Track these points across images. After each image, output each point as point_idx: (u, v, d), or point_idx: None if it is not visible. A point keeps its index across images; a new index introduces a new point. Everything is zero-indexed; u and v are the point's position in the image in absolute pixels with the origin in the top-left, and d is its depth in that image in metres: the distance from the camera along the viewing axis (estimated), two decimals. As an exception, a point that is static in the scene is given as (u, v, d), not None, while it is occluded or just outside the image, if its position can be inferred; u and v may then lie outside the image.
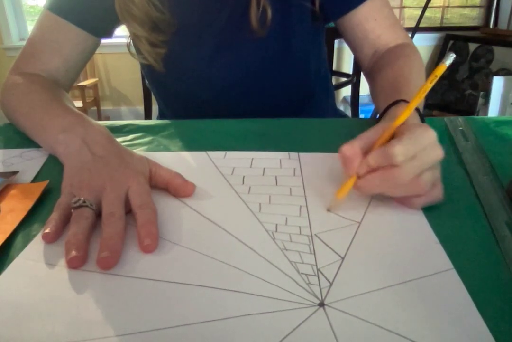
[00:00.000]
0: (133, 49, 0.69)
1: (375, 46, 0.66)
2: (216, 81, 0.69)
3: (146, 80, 1.99)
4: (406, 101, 0.47)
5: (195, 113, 0.64)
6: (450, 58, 0.39)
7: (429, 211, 0.39)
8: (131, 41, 0.68)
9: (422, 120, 0.46)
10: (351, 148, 0.38)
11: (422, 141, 0.37)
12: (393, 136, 0.39)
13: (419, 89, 0.39)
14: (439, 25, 2.88)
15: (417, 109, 0.46)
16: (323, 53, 0.78)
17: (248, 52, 0.67)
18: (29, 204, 0.40)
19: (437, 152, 0.38)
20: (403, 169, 0.36)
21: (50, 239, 0.35)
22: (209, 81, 0.69)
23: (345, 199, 0.40)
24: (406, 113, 0.39)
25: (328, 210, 0.40)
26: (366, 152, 0.38)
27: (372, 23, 0.64)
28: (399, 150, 0.36)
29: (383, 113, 0.49)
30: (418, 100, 0.39)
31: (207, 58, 0.67)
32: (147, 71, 0.72)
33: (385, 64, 0.62)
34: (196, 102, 0.72)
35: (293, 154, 0.51)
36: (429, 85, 0.39)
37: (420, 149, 0.36)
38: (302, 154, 0.50)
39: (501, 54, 2.56)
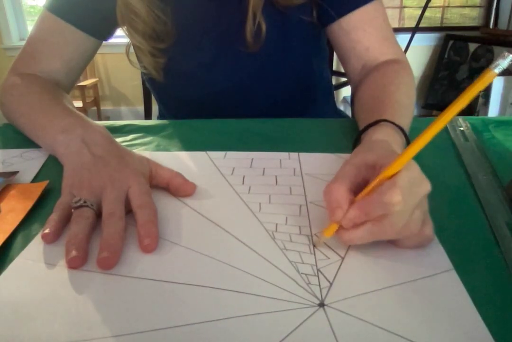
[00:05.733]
0: (133, 58, 0.68)
1: (363, 59, 0.62)
2: (216, 86, 0.69)
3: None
4: (387, 121, 0.45)
5: (196, 116, 0.64)
6: (507, 59, 0.28)
7: (429, 211, 0.39)
8: (132, 48, 0.67)
9: (407, 140, 0.45)
10: (337, 191, 0.33)
11: (411, 182, 0.31)
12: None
13: (451, 107, 0.30)
14: (439, 25, 2.88)
15: (401, 130, 0.45)
16: (325, 56, 0.77)
17: (248, 57, 0.66)
18: (29, 204, 0.40)
19: (425, 186, 0.32)
20: (395, 216, 0.31)
21: (49, 239, 0.35)
22: (209, 86, 0.69)
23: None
24: (403, 161, 0.32)
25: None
26: (350, 189, 0.34)
27: (361, 34, 0.60)
28: (397, 199, 0.30)
29: (362, 132, 0.47)
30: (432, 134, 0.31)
31: (207, 64, 0.67)
32: (147, 78, 0.72)
33: (369, 80, 0.58)
34: (196, 106, 0.72)
35: (293, 155, 0.51)
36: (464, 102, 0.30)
37: (408, 190, 0.31)
38: (302, 155, 0.51)
39: (501, 54, 2.56)
